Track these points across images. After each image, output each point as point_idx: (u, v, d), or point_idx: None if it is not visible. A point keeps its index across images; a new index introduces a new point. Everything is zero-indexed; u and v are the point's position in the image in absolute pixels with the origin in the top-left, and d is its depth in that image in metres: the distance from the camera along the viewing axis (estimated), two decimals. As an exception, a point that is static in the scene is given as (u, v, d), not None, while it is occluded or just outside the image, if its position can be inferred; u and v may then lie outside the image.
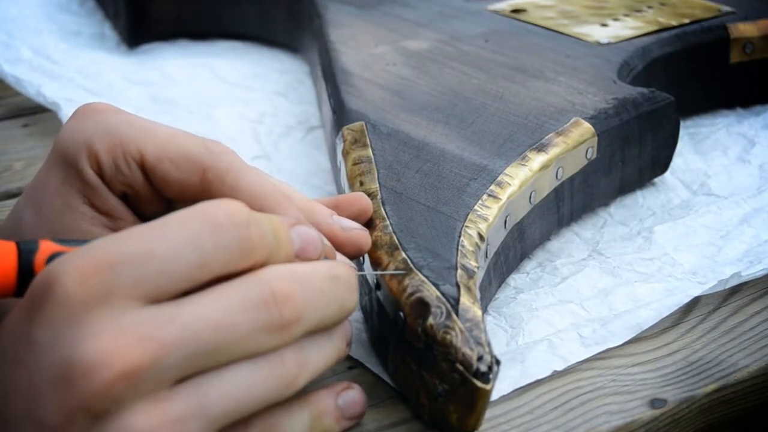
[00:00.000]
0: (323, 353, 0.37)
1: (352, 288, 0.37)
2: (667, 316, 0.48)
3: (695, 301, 0.50)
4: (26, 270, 0.35)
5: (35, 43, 0.77)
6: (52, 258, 0.35)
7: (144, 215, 0.42)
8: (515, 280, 0.51)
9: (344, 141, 0.52)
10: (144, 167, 0.41)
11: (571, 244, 0.54)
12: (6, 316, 0.34)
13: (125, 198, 0.42)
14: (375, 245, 0.44)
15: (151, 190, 0.41)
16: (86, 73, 0.73)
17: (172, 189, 0.41)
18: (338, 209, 0.44)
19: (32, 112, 0.71)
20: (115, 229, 0.41)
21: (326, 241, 0.40)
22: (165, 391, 0.33)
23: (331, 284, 0.36)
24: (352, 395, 0.39)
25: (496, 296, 0.50)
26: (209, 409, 0.33)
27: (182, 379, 0.33)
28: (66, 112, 0.67)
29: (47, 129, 0.69)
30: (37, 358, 0.32)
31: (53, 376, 0.32)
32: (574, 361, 0.45)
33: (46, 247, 0.35)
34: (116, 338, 0.32)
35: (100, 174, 0.41)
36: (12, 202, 0.61)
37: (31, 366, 0.32)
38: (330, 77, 0.60)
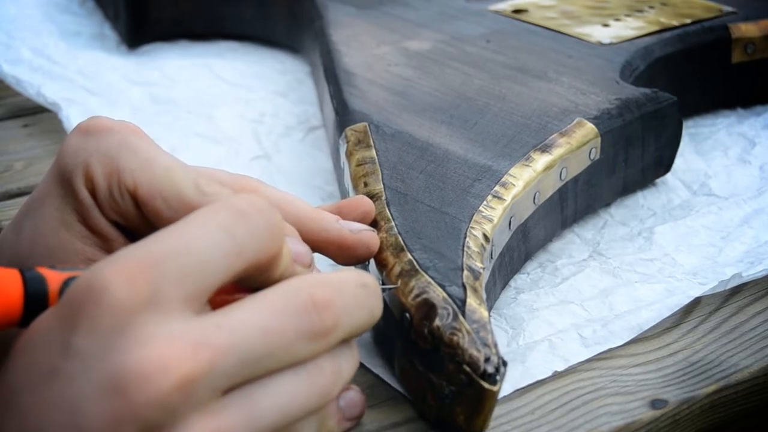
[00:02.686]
0: (351, 362, 0.37)
1: (379, 296, 0.37)
2: (668, 317, 0.48)
3: (696, 302, 0.50)
4: (35, 298, 0.33)
5: (35, 44, 0.77)
6: (67, 283, 0.34)
7: (132, 240, 0.41)
8: (516, 280, 0.51)
9: (347, 142, 0.52)
10: (137, 199, 0.40)
11: (572, 245, 0.54)
12: (24, 333, 0.32)
13: (117, 224, 0.41)
14: (381, 246, 0.44)
15: (143, 221, 0.41)
16: (86, 74, 0.73)
17: (162, 224, 0.40)
18: (341, 214, 0.44)
19: (32, 112, 0.71)
20: (107, 251, 0.40)
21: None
22: (216, 402, 0.32)
23: (362, 292, 0.36)
24: (352, 396, 0.39)
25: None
26: (259, 420, 0.33)
27: (228, 390, 0.33)
28: (66, 113, 0.67)
29: (47, 129, 0.68)
30: (82, 369, 0.31)
31: (103, 386, 0.30)
32: (574, 362, 0.45)
33: (52, 275, 0.34)
34: (170, 345, 0.31)
35: (94, 197, 0.40)
36: (12, 202, 0.61)
37: (75, 377, 0.31)
38: (332, 78, 0.60)
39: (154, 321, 0.31)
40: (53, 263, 0.40)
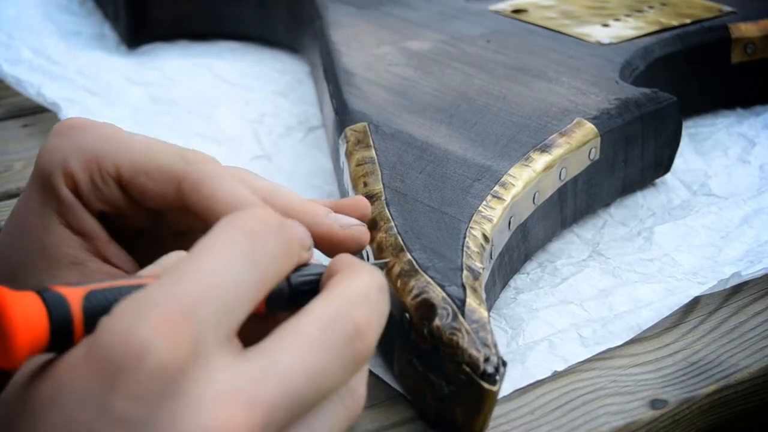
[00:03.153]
0: (367, 370, 0.36)
1: (388, 295, 0.35)
2: (668, 317, 0.48)
3: (695, 302, 0.50)
4: (60, 322, 0.31)
5: (35, 44, 0.77)
6: (88, 299, 0.32)
7: (124, 231, 0.42)
8: (515, 280, 0.51)
9: (347, 142, 0.52)
10: (121, 182, 0.40)
11: (572, 245, 0.54)
12: (49, 382, 0.30)
13: (102, 217, 0.41)
14: (380, 246, 0.44)
15: (131, 205, 0.40)
16: (86, 74, 0.73)
17: (151, 202, 0.40)
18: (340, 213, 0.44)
19: (32, 112, 0.71)
20: (91, 250, 0.40)
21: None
22: None
23: (382, 297, 0.34)
24: None
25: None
26: None
27: None
28: (66, 113, 0.67)
29: (47, 129, 0.68)
30: None
31: None
32: (574, 362, 0.45)
33: (70, 292, 0.32)
34: (223, 409, 0.29)
35: (77, 192, 0.40)
36: (12, 202, 0.60)
37: None
38: (332, 78, 0.60)
39: (200, 378, 0.30)
40: (42, 270, 0.39)
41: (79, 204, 0.40)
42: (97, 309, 0.31)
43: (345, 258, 0.36)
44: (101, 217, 0.41)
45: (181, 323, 0.29)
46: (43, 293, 0.31)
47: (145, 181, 0.39)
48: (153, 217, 0.42)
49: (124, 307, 0.30)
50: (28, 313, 0.30)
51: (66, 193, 0.40)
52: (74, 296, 0.31)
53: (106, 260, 0.41)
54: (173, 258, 0.35)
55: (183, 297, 0.30)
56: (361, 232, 0.42)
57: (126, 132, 0.41)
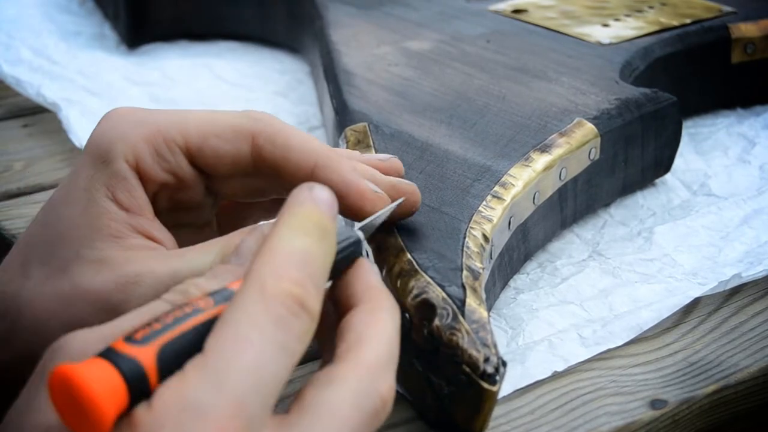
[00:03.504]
0: None
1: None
2: (668, 317, 0.48)
3: (695, 302, 0.50)
4: (137, 387, 0.31)
5: (35, 44, 0.77)
6: (164, 351, 0.32)
7: (179, 205, 0.43)
8: (515, 280, 0.51)
9: (347, 142, 0.52)
10: (189, 150, 0.41)
11: (572, 245, 0.54)
12: None
13: (163, 189, 0.42)
14: (380, 247, 0.44)
15: (194, 175, 0.42)
16: (86, 74, 0.73)
17: (224, 164, 0.41)
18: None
19: (32, 113, 0.71)
20: (134, 226, 0.41)
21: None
22: None
23: (397, 351, 0.35)
24: None
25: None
26: None
27: None
28: (66, 113, 0.67)
29: (47, 129, 0.69)
30: None
31: None
32: (574, 362, 0.45)
33: (142, 353, 0.31)
34: None
35: (137, 167, 0.41)
36: (12, 202, 0.61)
37: None
38: (332, 78, 0.60)
39: None
40: (83, 242, 0.40)
41: (135, 178, 0.41)
42: (170, 359, 0.32)
43: (366, 286, 0.36)
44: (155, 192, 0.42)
45: (233, 424, 0.30)
46: (116, 361, 0.31)
47: (218, 143, 0.41)
48: (206, 190, 0.43)
49: (167, 407, 0.30)
50: (107, 389, 0.30)
51: (122, 166, 0.41)
52: (146, 357, 0.31)
53: (148, 236, 0.41)
54: (252, 240, 0.36)
55: (233, 398, 0.30)
56: (411, 188, 0.43)
57: (175, 110, 0.43)
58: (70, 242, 0.41)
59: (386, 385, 0.34)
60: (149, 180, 0.41)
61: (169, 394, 0.31)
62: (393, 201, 0.42)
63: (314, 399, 0.33)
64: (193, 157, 0.42)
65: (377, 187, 0.42)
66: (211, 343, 0.32)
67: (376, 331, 0.35)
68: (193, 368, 0.31)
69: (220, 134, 0.41)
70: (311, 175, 0.41)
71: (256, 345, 0.32)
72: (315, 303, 0.33)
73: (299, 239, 0.34)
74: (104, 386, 0.30)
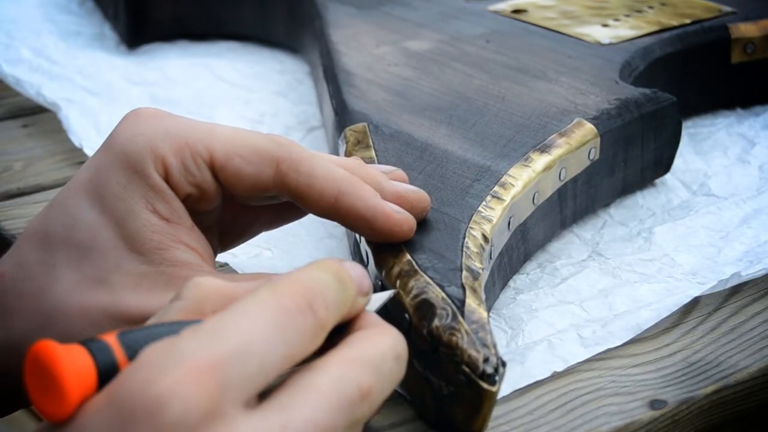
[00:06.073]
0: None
1: (405, 362, 0.36)
2: (667, 317, 0.48)
3: (695, 302, 0.50)
4: (106, 370, 0.32)
5: (35, 44, 0.77)
6: (123, 341, 0.32)
7: (199, 214, 0.43)
8: (515, 281, 0.51)
9: (347, 142, 0.52)
10: (213, 166, 0.41)
11: (571, 245, 0.54)
12: (73, 418, 0.31)
13: (185, 199, 0.42)
14: (379, 247, 0.44)
15: (216, 188, 0.42)
16: (86, 74, 0.73)
17: (245, 184, 0.42)
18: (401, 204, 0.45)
19: (32, 113, 0.71)
20: (173, 236, 0.41)
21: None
22: None
23: (396, 366, 0.35)
24: None
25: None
26: None
27: None
28: (65, 113, 0.67)
29: (47, 129, 0.68)
30: None
31: None
32: (573, 362, 0.45)
33: (111, 338, 0.32)
34: None
35: (166, 177, 0.41)
36: (11, 202, 0.61)
37: None
38: (331, 78, 0.60)
39: (221, 430, 0.30)
40: (123, 254, 0.40)
41: (169, 189, 0.41)
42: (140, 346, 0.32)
43: (372, 317, 0.37)
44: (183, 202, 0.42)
45: (207, 378, 0.30)
46: (87, 343, 0.32)
47: (241, 164, 0.41)
48: (225, 203, 0.44)
49: (150, 352, 0.31)
50: (76, 364, 0.31)
51: (157, 178, 0.41)
52: (115, 341, 0.32)
53: (187, 245, 0.42)
54: (209, 286, 0.36)
55: (215, 353, 0.30)
56: (423, 194, 0.45)
57: (200, 121, 0.43)
58: (107, 253, 0.41)
59: (367, 382, 0.34)
60: (175, 192, 0.42)
61: (157, 345, 0.31)
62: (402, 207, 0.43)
63: (292, 381, 0.33)
64: (215, 173, 0.42)
65: (400, 208, 0.43)
66: (213, 317, 0.32)
67: (369, 339, 0.35)
68: (188, 330, 0.32)
69: (245, 155, 0.41)
70: (335, 203, 0.42)
71: (253, 320, 0.32)
72: (324, 310, 0.34)
73: (319, 272, 0.35)
74: (72, 359, 0.31)
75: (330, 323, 0.34)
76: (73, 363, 0.31)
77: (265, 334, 0.32)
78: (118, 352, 0.32)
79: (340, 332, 0.36)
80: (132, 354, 0.32)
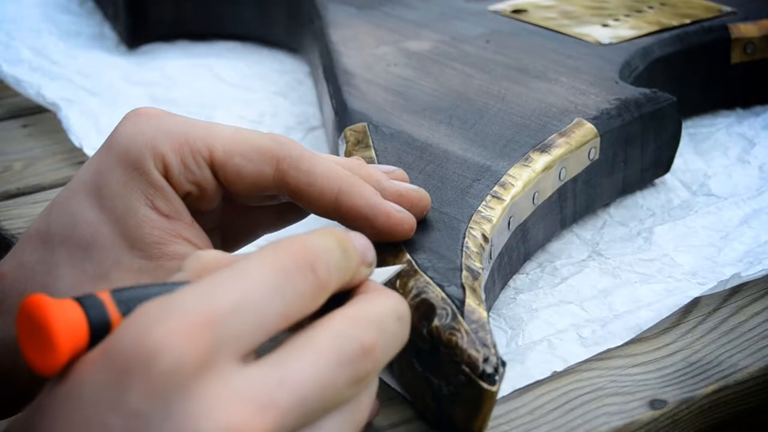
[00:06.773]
0: (376, 383, 0.36)
1: (409, 324, 0.37)
2: (667, 317, 0.48)
3: (695, 302, 0.50)
4: (98, 326, 0.32)
5: (35, 44, 0.77)
6: (115, 295, 0.33)
7: (200, 216, 0.43)
8: (515, 280, 0.51)
9: (347, 142, 0.52)
10: (213, 164, 0.42)
11: (571, 245, 0.54)
12: (64, 382, 0.31)
13: (185, 198, 0.42)
14: (379, 247, 0.44)
15: (216, 187, 0.42)
16: (86, 74, 0.73)
17: (245, 183, 0.42)
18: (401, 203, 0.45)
19: (32, 113, 0.71)
20: (173, 231, 0.41)
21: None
22: None
23: (398, 326, 0.35)
24: None
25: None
26: None
27: None
28: (65, 113, 0.67)
29: (47, 129, 0.69)
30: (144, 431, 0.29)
31: None
32: (573, 362, 0.45)
33: (106, 295, 0.33)
34: (237, 408, 0.30)
35: (166, 175, 0.41)
36: (11, 202, 0.61)
37: None
38: (331, 78, 0.60)
39: (215, 381, 0.30)
40: (124, 250, 0.40)
41: (168, 186, 0.42)
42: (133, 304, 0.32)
43: (374, 285, 0.37)
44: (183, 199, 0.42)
45: (200, 331, 0.30)
46: (80, 299, 0.32)
47: (241, 162, 0.42)
48: (225, 201, 0.44)
49: (146, 308, 0.31)
50: (68, 318, 0.31)
51: (157, 176, 0.41)
52: (109, 298, 0.32)
53: (187, 240, 0.42)
54: (210, 256, 0.36)
55: (210, 308, 0.31)
56: (422, 194, 0.45)
57: (200, 120, 0.43)
58: (107, 250, 0.41)
59: (370, 338, 0.34)
60: (175, 190, 0.42)
61: (153, 302, 0.31)
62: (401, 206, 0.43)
63: (292, 339, 0.33)
64: (215, 171, 0.42)
65: (401, 207, 0.43)
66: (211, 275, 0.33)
67: (369, 300, 0.35)
68: (184, 288, 0.32)
69: (245, 154, 0.42)
70: (336, 201, 0.42)
71: (250, 277, 0.32)
72: (325, 272, 0.34)
73: (323, 237, 0.35)
74: (63, 313, 0.31)
75: (331, 286, 0.34)
76: (64, 316, 0.31)
77: (263, 291, 0.32)
78: (111, 308, 0.32)
79: (343, 301, 0.36)
80: (126, 311, 0.32)
